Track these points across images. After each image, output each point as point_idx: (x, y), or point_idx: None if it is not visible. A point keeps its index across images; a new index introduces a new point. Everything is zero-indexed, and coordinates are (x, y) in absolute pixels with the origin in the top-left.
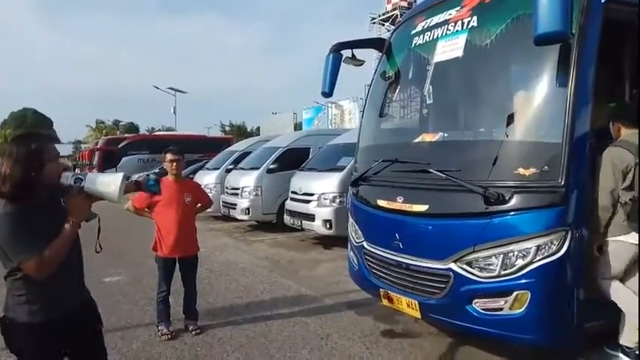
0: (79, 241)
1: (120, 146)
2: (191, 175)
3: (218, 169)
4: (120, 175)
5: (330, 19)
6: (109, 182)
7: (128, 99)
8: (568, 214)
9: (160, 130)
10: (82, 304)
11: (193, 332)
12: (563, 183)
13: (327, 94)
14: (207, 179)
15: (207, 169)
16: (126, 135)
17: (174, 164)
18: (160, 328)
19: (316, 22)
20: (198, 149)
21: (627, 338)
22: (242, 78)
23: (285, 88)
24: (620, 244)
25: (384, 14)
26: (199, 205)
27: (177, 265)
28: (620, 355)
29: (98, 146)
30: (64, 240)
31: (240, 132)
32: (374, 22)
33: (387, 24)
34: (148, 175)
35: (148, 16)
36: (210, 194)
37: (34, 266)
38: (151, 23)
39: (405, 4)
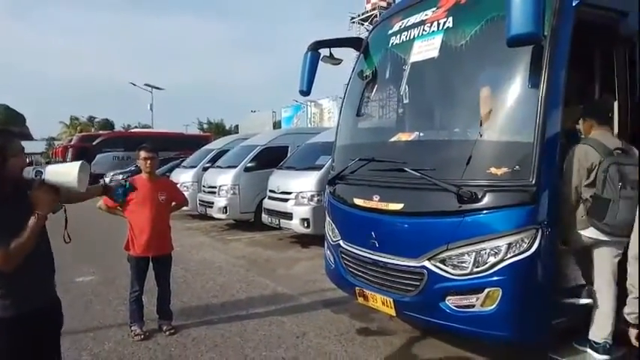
0: (47, 233)
1: (94, 143)
2: (167, 174)
3: (195, 167)
4: (77, 163)
5: (310, 17)
6: (67, 171)
7: (104, 95)
8: (539, 212)
9: (136, 127)
10: (51, 303)
11: (167, 332)
12: (534, 182)
13: (305, 92)
14: (183, 177)
15: (184, 167)
16: (100, 132)
17: (149, 162)
18: (132, 328)
19: (296, 19)
20: (176, 147)
21: (596, 333)
22: (221, 76)
23: (264, 86)
24: (578, 235)
25: (363, 14)
26: (174, 203)
27: (151, 264)
28: (589, 350)
29: (72, 143)
30: (30, 232)
31: (219, 130)
32: (353, 22)
33: (366, 23)
34: (120, 182)
35: (125, 12)
36: (186, 193)
37: (0, 258)
38: (129, 19)
39: (384, 4)
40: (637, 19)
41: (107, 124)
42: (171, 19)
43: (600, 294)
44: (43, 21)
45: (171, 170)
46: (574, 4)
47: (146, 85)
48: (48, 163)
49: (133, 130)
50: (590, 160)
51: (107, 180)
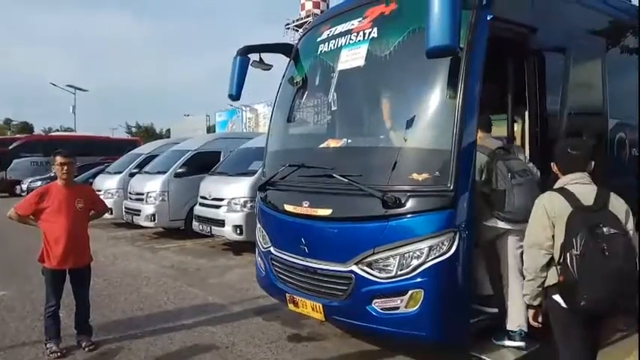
0: None
1: (11, 147)
2: (91, 180)
3: (121, 172)
4: None
5: (246, 20)
6: None
7: (22, 97)
8: (456, 216)
9: (57, 130)
10: None
11: (86, 348)
12: (452, 187)
13: (234, 97)
14: (108, 184)
15: (109, 172)
16: (18, 135)
17: (65, 168)
18: (48, 345)
19: (232, 21)
20: (101, 152)
21: (511, 323)
22: (152, 77)
23: (198, 89)
24: (486, 228)
25: (298, 20)
26: (93, 212)
27: (69, 276)
28: (506, 341)
29: None
30: None
31: (149, 134)
32: (288, 27)
33: (300, 30)
34: None
35: (45, 7)
36: (111, 200)
37: None
38: (50, 15)
39: (318, 11)
40: (545, 35)
41: (26, 128)
42: (96, 17)
43: (510, 286)
44: None
45: (94, 176)
46: (488, 19)
47: (68, 86)
48: None
49: (53, 134)
50: (480, 162)
51: (24, 187)
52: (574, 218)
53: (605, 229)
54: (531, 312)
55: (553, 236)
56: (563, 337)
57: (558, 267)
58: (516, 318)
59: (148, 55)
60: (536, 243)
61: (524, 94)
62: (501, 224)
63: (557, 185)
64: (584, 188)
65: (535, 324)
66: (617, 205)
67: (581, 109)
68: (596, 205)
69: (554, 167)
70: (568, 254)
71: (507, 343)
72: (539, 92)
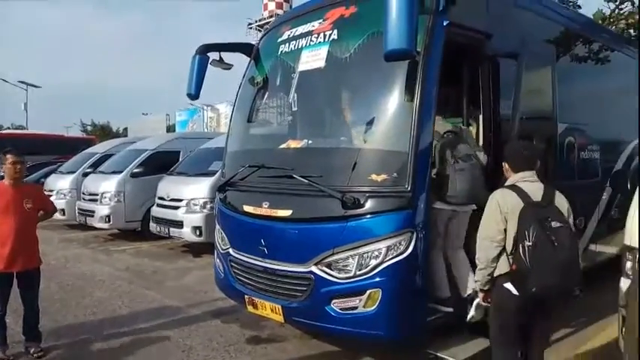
0: None
1: None
2: (42, 180)
3: (74, 172)
4: None
5: (208, 18)
6: None
7: None
8: (414, 216)
9: (8, 128)
10: None
11: (35, 355)
12: (409, 188)
13: (193, 96)
14: (60, 184)
15: (61, 172)
16: None
17: (18, 167)
18: None
19: (194, 19)
20: (55, 150)
21: (467, 289)
22: (110, 75)
23: (158, 88)
24: (435, 211)
25: (260, 20)
26: (42, 212)
27: (16, 280)
28: (472, 310)
29: None
30: None
31: (105, 132)
32: (251, 27)
33: (263, 30)
34: None
35: None
36: (63, 200)
37: None
38: (2, 8)
39: (280, 11)
40: (500, 41)
41: None
42: (51, 11)
43: (459, 258)
44: None
45: (46, 176)
46: (445, 24)
47: (20, 82)
48: None
49: (3, 132)
50: None
51: None
52: (525, 213)
53: (553, 223)
54: (481, 295)
55: (505, 230)
56: (504, 332)
57: (510, 257)
58: (469, 281)
59: (105, 52)
60: (488, 236)
61: (479, 98)
62: (447, 207)
63: (508, 182)
64: (532, 186)
65: (485, 304)
66: (561, 201)
67: (533, 114)
68: (544, 201)
69: (505, 166)
70: (521, 245)
71: (472, 311)
72: (492, 96)
